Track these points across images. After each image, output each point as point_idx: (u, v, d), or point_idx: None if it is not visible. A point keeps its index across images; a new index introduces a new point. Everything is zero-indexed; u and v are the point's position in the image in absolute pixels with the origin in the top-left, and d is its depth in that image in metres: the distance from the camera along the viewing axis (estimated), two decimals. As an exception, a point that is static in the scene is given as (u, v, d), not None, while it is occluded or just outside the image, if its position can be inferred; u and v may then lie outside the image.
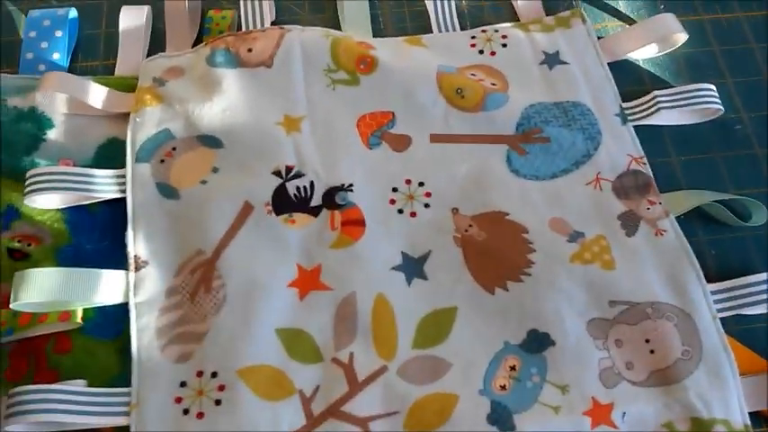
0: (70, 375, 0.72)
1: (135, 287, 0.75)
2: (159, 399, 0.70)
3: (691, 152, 0.87)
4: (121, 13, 0.94)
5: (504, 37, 0.93)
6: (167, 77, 0.88)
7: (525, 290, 0.75)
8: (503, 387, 0.71)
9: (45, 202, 0.79)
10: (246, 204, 0.79)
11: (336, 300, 0.75)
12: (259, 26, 0.93)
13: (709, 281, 0.76)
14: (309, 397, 0.70)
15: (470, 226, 0.79)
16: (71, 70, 0.91)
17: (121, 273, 0.76)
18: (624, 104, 0.87)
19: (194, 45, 0.93)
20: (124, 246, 0.77)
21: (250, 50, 0.88)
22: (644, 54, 0.94)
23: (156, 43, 0.94)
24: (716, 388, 0.71)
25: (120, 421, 0.69)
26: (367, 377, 0.71)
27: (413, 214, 0.80)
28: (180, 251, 0.77)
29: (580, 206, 0.81)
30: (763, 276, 0.76)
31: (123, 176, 0.81)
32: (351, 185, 0.81)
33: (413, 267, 0.78)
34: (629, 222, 0.79)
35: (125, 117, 0.85)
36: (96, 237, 0.79)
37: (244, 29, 0.93)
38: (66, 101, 0.86)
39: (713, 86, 0.88)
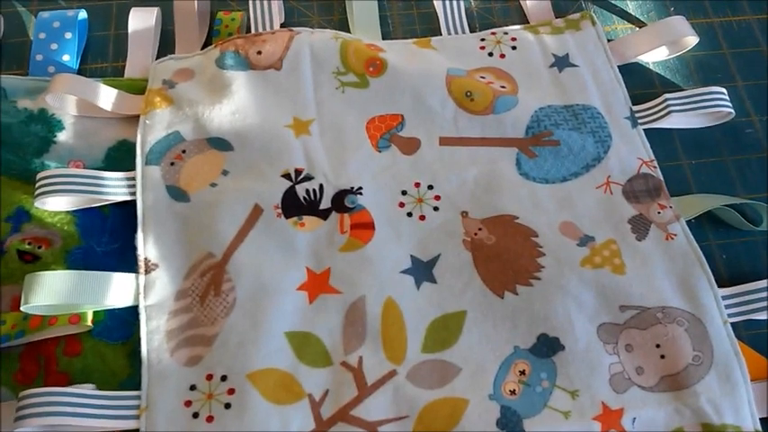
0: (80, 378, 0.72)
1: (145, 290, 0.75)
2: (169, 402, 0.70)
3: (701, 156, 0.87)
4: (131, 14, 0.93)
5: (513, 39, 0.93)
6: (177, 79, 0.88)
7: (535, 294, 0.75)
8: (512, 392, 0.71)
9: (55, 205, 0.79)
10: (256, 207, 0.79)
11: (346, 303, 0.75)
12: (268, 28, 0.93)
13: (719, 285, 0.76)
14: (319, 401, 0.70)
15: (480, 229, 0.79)
16: (81, 72, 0.91)
17: (131, 276, 0.76)
18: (634, 107, 0.87)
19: (203, 47, 0.93)
20: (134, 248, 0.77)
21: (259, 53, 0.88)
22: (654, 57, 0.94)
23: (166, 45, 0.94)
24: (727, 393, 0.71)
25: (129, 425, 0.69)
26: (376, 381, 0.71)
27: (422, 217, 0.80)
28: (190, 254, 0.77)
29: (590, 210, 0.81)
30: (773, 281, 0.76)
31: (133, 179, 0.81)
32: (360, 188, 0.81)
33: (422, 271, 0.77)
34: (640, 226, 0.79)
35: (135, 119, 0.85)
36: (106, 239, 0.79)
37: (253, 31, 0.93)
38: (75, 103, 0.86)
39: (724, 90, 0.88)
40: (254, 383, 0.70)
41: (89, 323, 0.73)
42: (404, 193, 0.82)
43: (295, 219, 0.79)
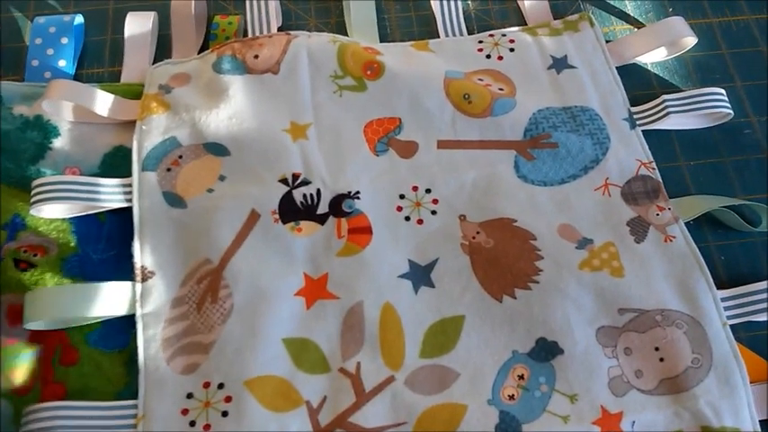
0: (77, 387, 0.72)
1: (141, 298, 0.75)
2: (166, 411, 0.70)
3: (700, 157, 0.87)
4: (127, 19, 0.93)
5: (511, 41, 0.93)
6: (173, 84, 0.87)
7: (533, 297, 0.75)
8: (511, 397, 0.71)
9: (51, 212, 0.79)
10: (253, 212, 0.78)
11: (343, 308, 0.75)
12: (265, 32, 0.93)
13: (718, 287, 0.76)
14: (316, 408, 0.70)
15: (478, 233, 0.79)
16: (77, 77, 0.91)
17: (128, 284, 0.75)
18: (633, 109, 0.87)
19: (200, 51, 0.93)
20: (130, 255, 0.77)
21: (257, 57, 0.88)
22: (653, 58, 0.93)
23: (162, 50, 0.94)
24: (726, 396, 0.70)
25: (127, 434, 0.69)
26: (374, 387, 0.71)
27: (420, 221, 0.80)
28: (186, 260, 0.77)
29: (588, 212, 0.80)
30: (773, 282, 0.75)
31: (130, 185, 0.81)
32: (357, 193, 0.81)
33: (420, 275, 0.77)
34: (639, 228, 0.79)
35: (131, 125, 0.85)
36: (102, 246, 0.79)
37: (250, 35, 0.93)
38: (72, 109, 0.85)
39: (723, 90, 0.87)
40: (252, 391, 0.70)
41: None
42: (402, 196, 0.81)
43: (292, 224, 0.79)
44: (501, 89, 0.88)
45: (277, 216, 0.79)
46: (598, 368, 0.72)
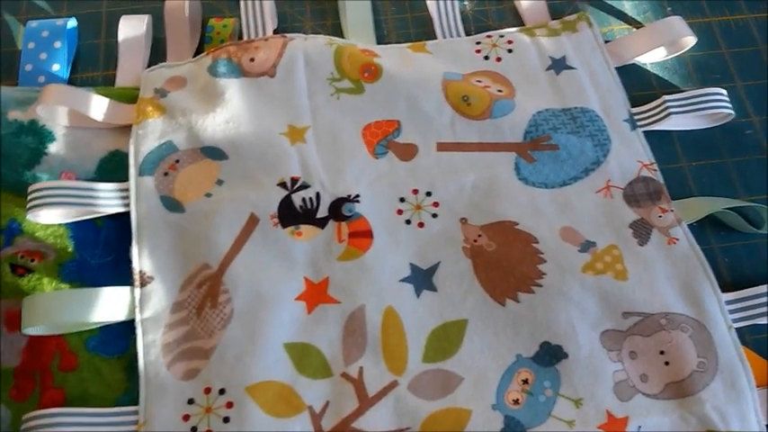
0: (76, 393, 0.72)
1: (141, 303, 0.74)
2: (167, 416, 0.69)
3: (701, 157, 0.86)
4: (121, 22, 0.92)
5: (509, 42, 0.92)
6: (169, 88, 0.86)
7: (537, 301, 0.74)
8: (516, 401, 0.70)
9: (48, 217, 0.78)
10: (252, 217, 0.78)
11: (345, 313, 0.74)
12: (261, 35, 0.92)
13: (722, 289, 0.76)
14: (319, 413, 0.70)
15: (479, 236, 0.78)
16: (71, 81, 0.90)
17: (126, 289, 0.75)
18: (633, 109, 0.87)
19: (195, 54, 0.92)
20: (129, 260, 0.76)
21: (252, 60, 0.87)
22: (652, 58, 0.93)
23: (157, 53, 0.93)
24: (732, 400, 0.70)
25: (128, 440, 0.69)
26: (377, 392, 0.71)
27: (421, 225, 0.79)
28: (185, 265, 0.76)
29: (591, 215, 0.80)
30: (778, 285, 0.75)
31: (126, 190, 0.80)
32: (357, 196, 0.80)
33: (422, 279, 0.77)
34: (641, 231, 0.78)
35: (127, 129, 0.84)
36: (100, 252, 0.78)
37: (245, 37, 0.92)
38: (67, 113, 0.84)
39: (724, 91, 0.87)
40: (253, 396, 0.69)
41: None
42: (402, 200, 0.81)
43: (292, 228, 0.78)
44: (500, 91, 0.87)
45: (276, 220, 0.78)
46: (603, 372, 0.71)
